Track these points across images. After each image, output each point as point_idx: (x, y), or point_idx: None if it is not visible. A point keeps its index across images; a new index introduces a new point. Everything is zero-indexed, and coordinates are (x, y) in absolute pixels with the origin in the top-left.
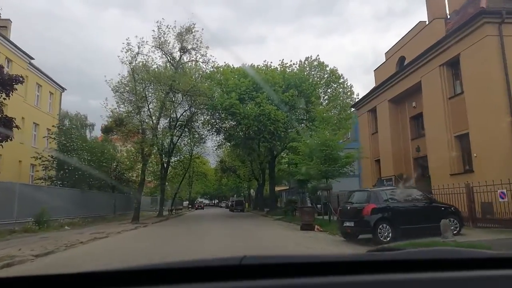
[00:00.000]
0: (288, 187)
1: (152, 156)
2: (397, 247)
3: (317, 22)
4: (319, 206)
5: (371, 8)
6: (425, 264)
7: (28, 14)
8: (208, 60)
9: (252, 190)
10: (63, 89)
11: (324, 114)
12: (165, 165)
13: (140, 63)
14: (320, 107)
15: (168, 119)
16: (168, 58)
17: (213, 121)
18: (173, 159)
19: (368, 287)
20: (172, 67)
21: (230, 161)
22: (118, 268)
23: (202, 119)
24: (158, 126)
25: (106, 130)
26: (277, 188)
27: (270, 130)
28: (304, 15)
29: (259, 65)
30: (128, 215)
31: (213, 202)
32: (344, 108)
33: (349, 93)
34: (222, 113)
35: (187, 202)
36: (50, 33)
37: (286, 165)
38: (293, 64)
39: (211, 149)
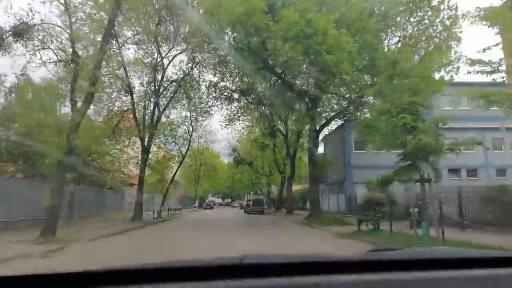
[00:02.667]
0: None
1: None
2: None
3: None
4: (415, 210)
5: None
6: (424, 263)
7: None
8: None
9: (274, 187)
10: None
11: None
12: (145, 143)
13: None
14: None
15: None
16: None
17: (223, 83)
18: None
19: (367, 286)
20: None
21: (247, 148)
22: (123, 266)
23: (206, 78)
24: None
25: None
26: (300, 187)
27: (324, 67)
28: None
29: None
30: (95, 218)
31: (225, 201)
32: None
33: (450, 24)
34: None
35: (198, 200)
36: None
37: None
38: None
39: (220, 124)
